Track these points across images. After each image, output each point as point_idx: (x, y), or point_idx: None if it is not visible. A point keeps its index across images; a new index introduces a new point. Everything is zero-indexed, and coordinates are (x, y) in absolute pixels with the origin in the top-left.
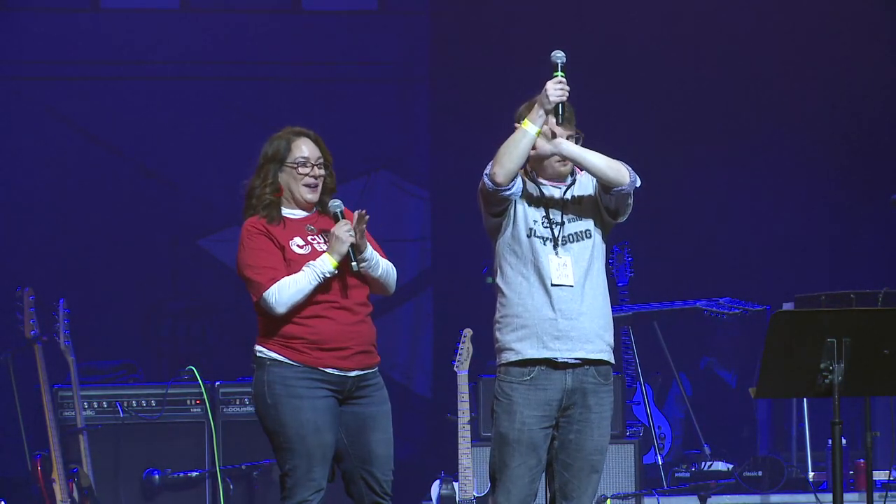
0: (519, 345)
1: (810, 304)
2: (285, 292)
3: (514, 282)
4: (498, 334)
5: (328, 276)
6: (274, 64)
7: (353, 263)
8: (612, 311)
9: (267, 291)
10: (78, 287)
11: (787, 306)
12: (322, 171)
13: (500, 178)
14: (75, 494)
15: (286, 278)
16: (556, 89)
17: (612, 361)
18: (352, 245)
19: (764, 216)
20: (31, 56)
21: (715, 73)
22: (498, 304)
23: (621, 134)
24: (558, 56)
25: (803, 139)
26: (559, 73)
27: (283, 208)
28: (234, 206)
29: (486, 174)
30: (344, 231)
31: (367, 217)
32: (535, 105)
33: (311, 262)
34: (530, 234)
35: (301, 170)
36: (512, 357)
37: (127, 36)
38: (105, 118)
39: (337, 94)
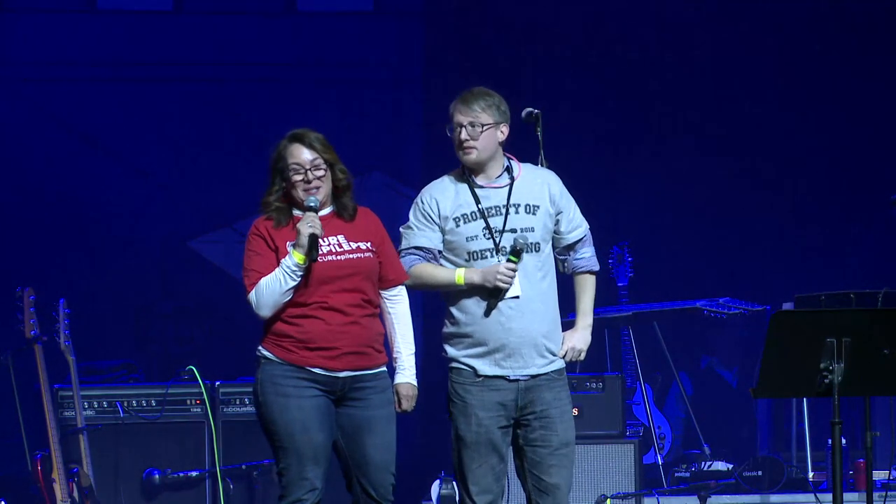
0: (471, 361)
1: (810, 304)
2: (261, 294)
3: (461, 301)
4: (449, 349)
5: (295, 268)
6: (268, 65)
7: (312, 253)
8: (612, 311)
9: (249, 294)
10: (77, 287)
11: (787, 306)
12: (320, 173)
13: (406, 287)
14: (75, 494)
15: (262, 279)
16: (503, 275)
17: (563, 366)
18: (312, 236)
19: (764, 216)
20: (28, 57)
21: (714, 73)
22: (446, 321)
23: (620, 134)
24: (519, 242)
25: (803, 139)
26: (514, 259)
27: (295, 210)
28: (226, 208)
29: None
30: (304, 224)
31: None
32: (481, 274)
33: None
34: (471, 257)
35: (295, 177)
36: (465, 368)
37: (122, 37)
38: (100, 119)
39: (330, 96)
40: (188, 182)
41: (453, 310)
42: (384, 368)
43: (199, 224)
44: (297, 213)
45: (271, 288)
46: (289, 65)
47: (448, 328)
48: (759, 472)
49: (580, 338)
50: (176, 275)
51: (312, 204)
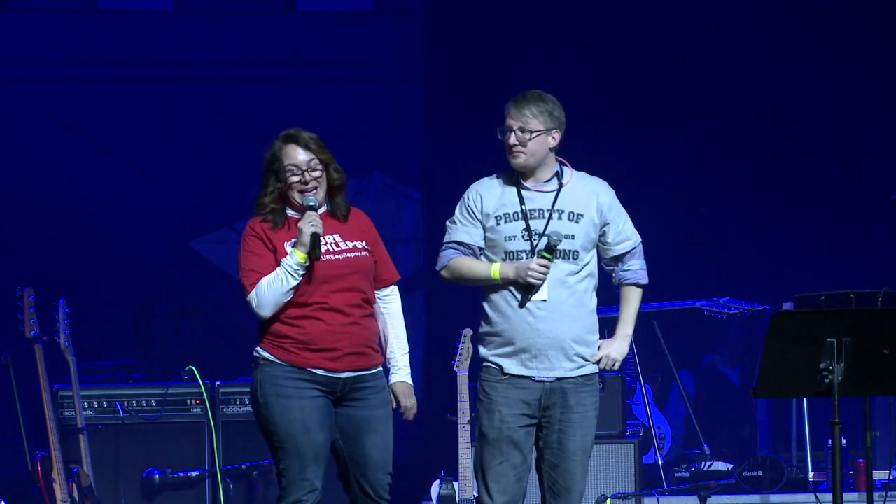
0: (500, 360)
1: (810, 304)
2: (263, 294)
3: (494, 299)
4: (482, 348)
5: (297, 267)
6: (268, 65)
7: (315, 251)
8: (612, 311)
9: (249, 295)
10: (77, 287)
11: (787, 306)
12: (317, 173)
13: (445, 279)
14: (75, 494)
15: (263, 279)
16: (536, 272)
17: (593, 371)
18: (315, 235)
19: (764, 216)
20: (30, 57)
21: (716, 73)
22: (481, 321)
23: (621, 133)
24: (553, 239)
25: (803, 139)
26: (547, 256)
27: (289, 210)
28: (227, 208)
29: (438, 264)
30: (305, 223)
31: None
32: (515, 269)
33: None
34: (507, 256)
35: (292, 178)
36: (493, 366)
37: (123, 37)
38: (101, 119)
39: (331, 96)
40: (189, 182)
41: (487, 308)
42: (381, 368)
43: (199, 224)
44: (291, 213)
45: (273, 287)
46: (289, 64)
47: (482, 327)
48: (759, 472)
49: (617, 347)
50: (176, 275)
51: (312, 203)
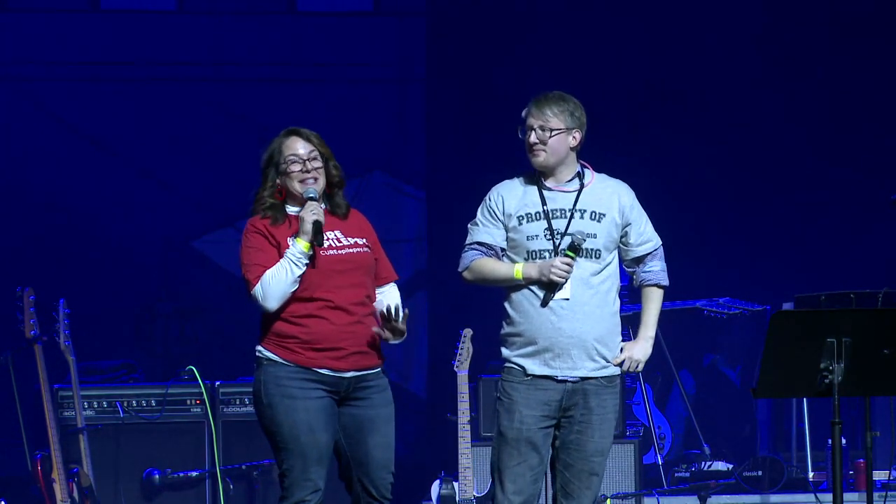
0: (522, 360)
1: (810, 304)
2: (268, 286)
3: (516, 299)
4: (504, 349)
5: (301, 256)
6: (269, 65)
7: (318, 238)
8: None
9: (254, 289)
10: (77, 287)
11: (787, 306)
12: (317, 164)
13: (467, 280)
14: (75, 494)
15: (267, 272)
16: (559, 270)
17: (615, 373)
18: (316, 223)
19: (765, 216)
20: (30, 57)
21: (716, 74)
22: (503, 321)
23: (619, 133)
24: (577, 238)
25: (803, 139)
26: (570, 255)
27: (289, 207)
28: (228, 208)
29: (460, 266)
30: (307, 211)
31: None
32: (538, 268)
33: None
34: (530, 256)
35: (293, 167)
36: (516, 367)
37: (125, 37)
38: (102, 119)
39: (332, 96)
40: (189, 182)
41: (509, 309)
42: (382, 367)
43: (199, 224)
44: (291, 211)
45: (278, 278)
46: (289, 64)
47: (504, 329)
48: (759, 472)
49: (640, 349)
50: (177, 274)
51: (312, 194)
